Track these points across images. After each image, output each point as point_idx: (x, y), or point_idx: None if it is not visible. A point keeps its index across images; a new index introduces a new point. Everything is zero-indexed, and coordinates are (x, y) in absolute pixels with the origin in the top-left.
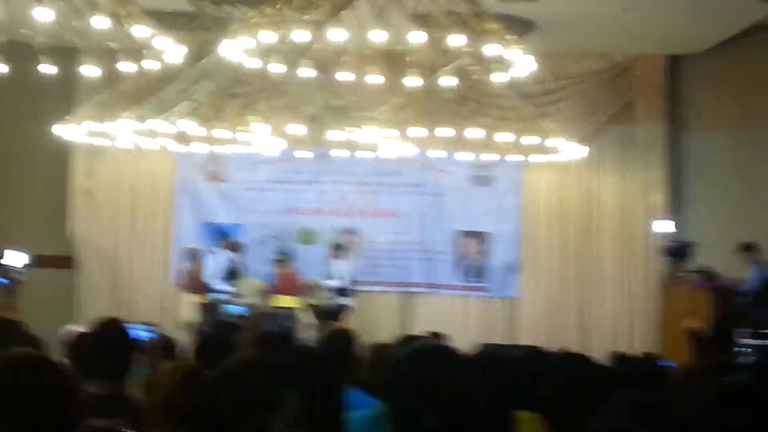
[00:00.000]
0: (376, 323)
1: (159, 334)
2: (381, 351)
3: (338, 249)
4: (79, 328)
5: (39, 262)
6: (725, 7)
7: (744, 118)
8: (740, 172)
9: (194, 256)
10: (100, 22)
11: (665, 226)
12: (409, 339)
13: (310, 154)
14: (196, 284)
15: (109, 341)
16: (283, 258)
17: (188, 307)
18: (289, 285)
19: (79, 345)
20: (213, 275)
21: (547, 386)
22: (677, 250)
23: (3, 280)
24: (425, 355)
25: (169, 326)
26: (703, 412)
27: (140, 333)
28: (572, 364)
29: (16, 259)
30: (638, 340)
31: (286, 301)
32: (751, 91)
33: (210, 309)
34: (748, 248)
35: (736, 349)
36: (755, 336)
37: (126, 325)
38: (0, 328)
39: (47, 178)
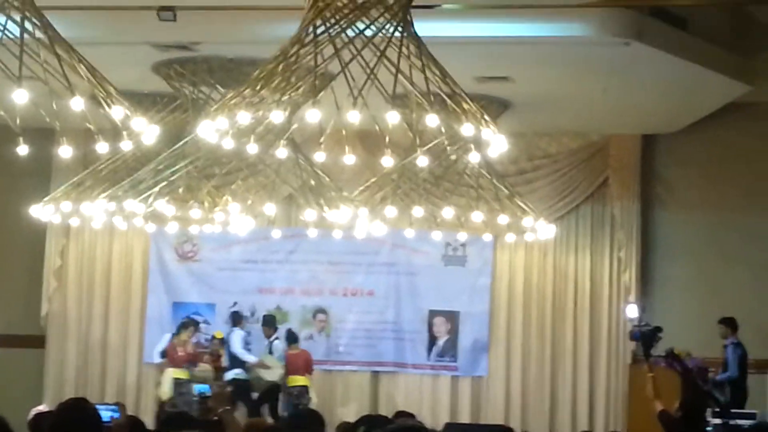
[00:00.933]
0: (345, 402)
1: (125, 415)
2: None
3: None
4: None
5: (12, 342)
6: (700, 88)
7: (717, 197)
8: (712, 252)
9: (186, 326)
10: (78, 103)
11: (634, 311)
12: (372, 419)
13: (283, 234)
14: (181, 358)
15: (75, 422)
16: (293, 339)
17: (168, 384)
18: (301, 365)
19: (44, 426)
20: (239, 349)
21: None
22: (646, 336)
23: None
24: None
25: (143, 405)
26: None
27: (106, 413)
28: None
29: None
30: (606, 421)
31: (298, 380)
32: (723, 170)
33: (184, 385)
34: (730, 323)
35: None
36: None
37: (92, 405)
38: None
39: (23, 257)
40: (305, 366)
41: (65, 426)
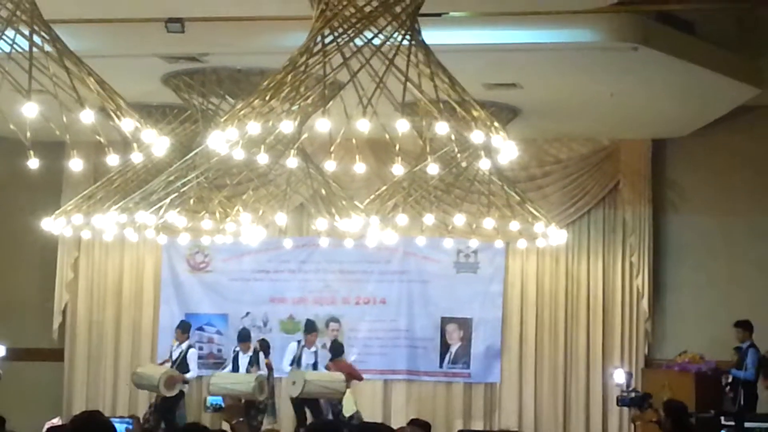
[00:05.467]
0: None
1: (139, 427)
2: None
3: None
4: (58, 423)
5: (27, 355)
6: (709, 92)
7: (728, 199)
8: (724, 255)
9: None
10: (88, 116)
11: (621, 376)
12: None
13: (294, 243)
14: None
15: None
16: (339, 351)
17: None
18: (346, 376)
19: None
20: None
21: None
22: (636, 402)
23: None
24: None
25: None
26: None
27: (120, 426)
28: None
29: None
30: (620, 426)
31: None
32: (735, 174)
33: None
34: (747, 326)
35: None
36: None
37: (107, 418)
38: None
39: (36, 271)
40: (349, 377)
41: None
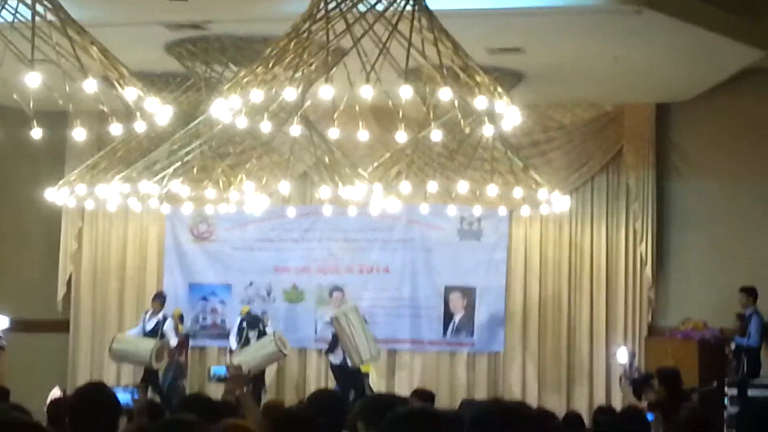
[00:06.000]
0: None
1: (144, 397)
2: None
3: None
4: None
5: (31, 326)
6: (714, 54)
7: (733, 164)
8: (729, 220)
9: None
10: (91, 85)
11: (624, 355)
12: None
13: (298, 212)
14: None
15: (94, 405)
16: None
17: None
18: None
19: (64, 410)
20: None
21: None
22: (637, 383)
23: None
24: (407, 420)
25: None
26: None
27: (125, 396)
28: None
29: None
30: (623, 395)
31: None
32: (739, 138)
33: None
34: (752, 292)
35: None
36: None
37: (110, 389)
38: None
39: (39, 242)
40: None
41: (84, 410)
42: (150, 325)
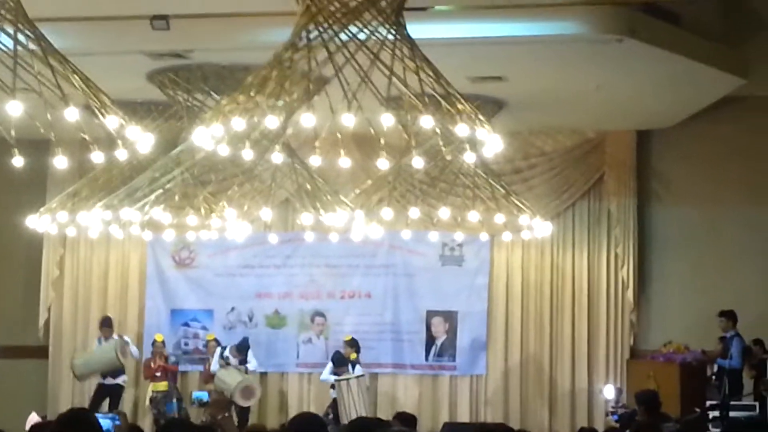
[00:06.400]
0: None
1: (126, 423)
2: None
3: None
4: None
5: (12, 352)
6: (694, 83)
7: (713, 190)
8: (709, 245)
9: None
10: (72, 114)
11: (611, 392)
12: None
13: (280, 238)
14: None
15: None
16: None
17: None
18: None
19: None
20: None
21: None
22: (624, 419)
23: None
24: None
25: (141, 414)
26: None
27: (106, 422)
28: None
29: None
30: (604, 416)
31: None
32: (720, 164)
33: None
34: (731, 316)
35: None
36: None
37: (93, 415)
38: None
39: (21, 268)
40: None
41: None
42: None
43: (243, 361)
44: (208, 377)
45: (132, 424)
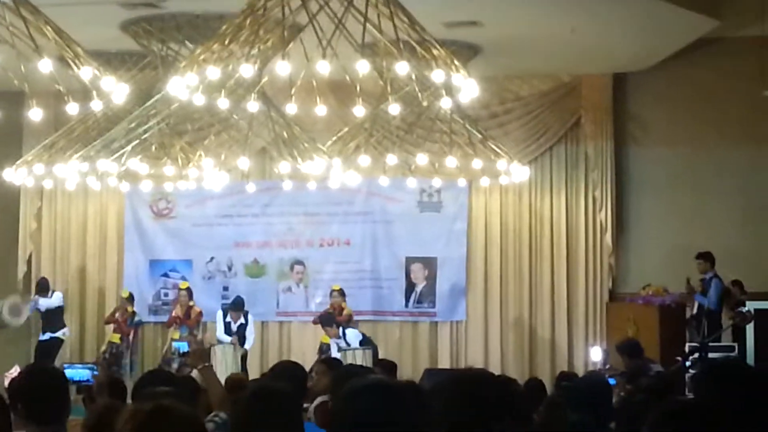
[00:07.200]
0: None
1: (104, 373)
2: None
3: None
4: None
5: None
6: (668, 25)
7: (689, 131)
8: (686, 186)
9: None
10: (46, 65)
11: (598, 353)
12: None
13: (258, 187)
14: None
15: (46, 385)
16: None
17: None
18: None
19: (15, 389)
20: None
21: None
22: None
23: None
24: (365, 392)
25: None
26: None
27: (85, 372)
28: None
29: None
30: (586, 360)
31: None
32: (695, 106)
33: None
34: (709, 257)
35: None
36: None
37: (58, 367)
38: None
39: None
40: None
41: (32, 389)
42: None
43: (243, 327)
44: (172, 321)
45: (110, 374)
